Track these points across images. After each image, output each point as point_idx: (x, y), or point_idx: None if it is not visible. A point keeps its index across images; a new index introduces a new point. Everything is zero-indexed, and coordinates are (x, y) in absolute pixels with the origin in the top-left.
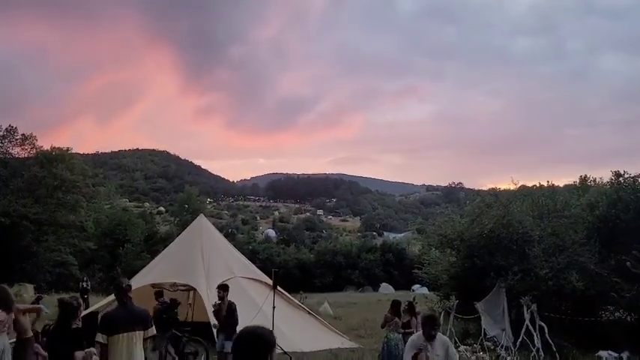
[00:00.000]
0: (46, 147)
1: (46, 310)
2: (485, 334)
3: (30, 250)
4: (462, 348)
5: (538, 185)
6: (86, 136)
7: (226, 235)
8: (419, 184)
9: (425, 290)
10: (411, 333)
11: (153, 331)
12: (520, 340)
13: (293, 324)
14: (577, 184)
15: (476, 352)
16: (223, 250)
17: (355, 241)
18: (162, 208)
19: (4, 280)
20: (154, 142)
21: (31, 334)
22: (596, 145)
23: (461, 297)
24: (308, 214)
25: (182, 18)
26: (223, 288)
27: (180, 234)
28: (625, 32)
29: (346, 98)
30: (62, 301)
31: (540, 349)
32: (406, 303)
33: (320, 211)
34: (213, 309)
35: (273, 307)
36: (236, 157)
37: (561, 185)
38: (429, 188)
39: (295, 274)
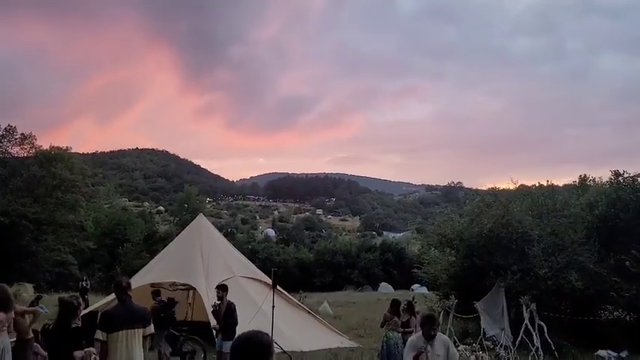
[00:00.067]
0: (46, 146)
1: (46, 309)
2: (484, 333)
3: (29, 250)
4: (461, 347)
5: (537, 185)
6: (86, 136)
7: (226, 235)
8: (418, 184)
9: (424, 290)
10: (411, 332)
11: (151, 329)
12: (519, 339)
13: (292, 323)
14: (576, 183)
15: (475, 352)
16: (223, 250)
17: (355, 240)
18: (161, 208)
19: (3, 280)
20: (154, 141)
21: (31, 334)
22: (596, 145)
23: (460, 296)
24: (307, 213)
25: (182, 18)
26: (222, 288)
27: (179, 233)
28: (625, 32)
29: (346, 98)
30: (62, 300)
31: (539, 349)
32: (405, 302)
33: (319, 211)
34: (212, 309)
35: (273, 307)
36: (236, 157)
37: (561, 185)
38: (428, 188)
39: (295, 274)
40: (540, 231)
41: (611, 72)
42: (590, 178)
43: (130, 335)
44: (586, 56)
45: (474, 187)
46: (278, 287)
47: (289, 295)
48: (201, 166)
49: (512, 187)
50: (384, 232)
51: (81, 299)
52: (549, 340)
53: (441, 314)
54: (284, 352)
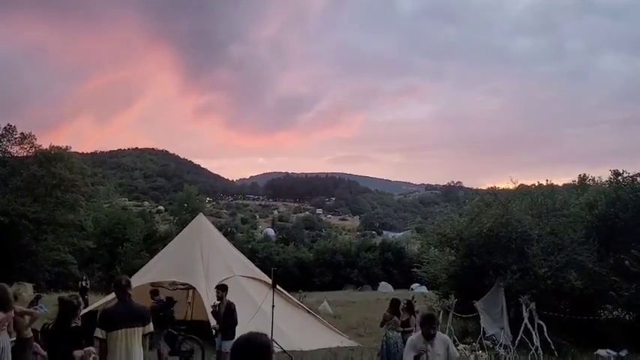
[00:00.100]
0: (45, 146)
1: (45, 309)
2: (484, 332)
3: (29, 249)
4: (460, 347)
5: (537, 184)
6: (85, 135)
7: (225, 234)
8: (418, 183)
9: (424, 289)
10: (410, 331)
11: (151, 327)
12: (519, 338)
13: (292, 323)
14: (576, 183)
15: (475, 351)
16: (222, 249)
17: (354, 240)
18: (161, 207)
19: (3, 280)
20: (154, 141)
21: (30, 334)
22: (596, 144)
23: (460, 296)
24: (307, 213)
25: (182, 18)
26: (222, 288)
27: (179, 233)
28: (625, 32)
29: (346, 98)
30: (62, 299)
31: (539, 348)
32: (405, 302)
33: (319, 210)
34: (212, 310)
35: (273, 306)
36: (235, 156)
37: (560, 184)
38: (428, 187)
39: (294, 273)
40: (540, 230)
41: (611, 72)
42: (590, 177)
43: (129, 334)
44: (586, 56)
45: (474, 187)
46: (278, 287)
47: (289, 295)
48: (201, 166)
49: (511, 186)
50: (384, 232)
51: (81, 299)
52: (549, 340)
53: (441, 313)
54: (284, 351)
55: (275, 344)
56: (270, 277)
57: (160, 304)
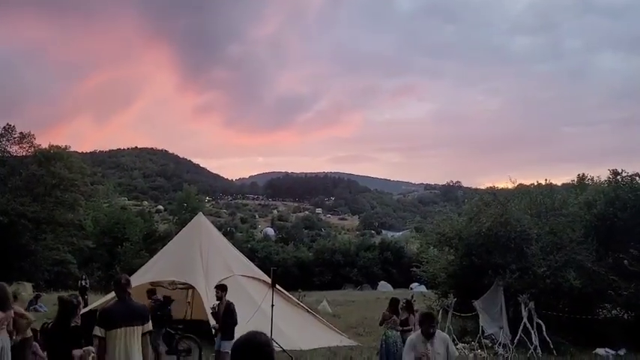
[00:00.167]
0: (45, 145)
1: (45, 308)
2: (483, 331)
3: (28, 249)
4: (460, 346)
5: (536, 184)
6: (84, 135)
7: (225, 234)
8: (417, 183)
9: (423, 288)
10: (409, 330)
11: (150, 326)
12: (518, 337)
13: (292, 322)
14: (575, 182)
15: (474, 350)
16: (222, 249)
17: (354, 239)
18: (160, 207)
19: (2, 279)
20: (153, 140)
21: (30, 333)
22: (595, 143)
23: (459, 295)
24: (307, 212)
25: (181, 17)
26: (221, 288)
27: (178, 232)
28: (623, 31)
29: (345, 97)
30: (62, 299)
31: (538, 347)
32: (404, 301)
33: (319, 210)
34: (211, 311)
35: (272, 306)
36: (235, 156)
37: (559, 184)
38: (427, 187)
39: (294, 273)
40: (539, 230)
41: (610, 71)
42: (589, 177)
43: (128, 332)
44: (585, 55)
45: (473, 186)
46: (277, 286)
47: (288, 294)
48: (201, 165)
49: (510, 186)
50: (383, 231)
51: (80, 298)
52: (548, 339)
53: (440, 313)
54: (284, 350)
55: (275, 344)
56: (269, 276)
57: (158, 304)
